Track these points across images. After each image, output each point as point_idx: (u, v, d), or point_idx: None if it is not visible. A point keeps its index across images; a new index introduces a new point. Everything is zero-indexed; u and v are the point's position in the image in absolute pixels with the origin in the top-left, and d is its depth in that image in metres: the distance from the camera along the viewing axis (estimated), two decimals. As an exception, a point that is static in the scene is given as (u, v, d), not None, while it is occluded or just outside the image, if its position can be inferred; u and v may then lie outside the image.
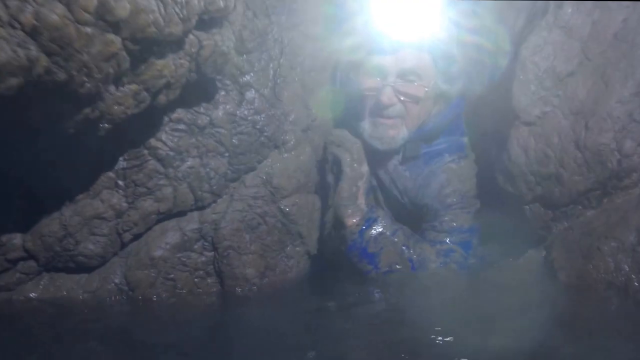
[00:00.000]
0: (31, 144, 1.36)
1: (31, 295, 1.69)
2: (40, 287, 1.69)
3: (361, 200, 2.00)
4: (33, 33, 0.98)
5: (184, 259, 1.70)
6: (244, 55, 1.66)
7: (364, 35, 1.95)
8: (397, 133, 2.02)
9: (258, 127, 1.70)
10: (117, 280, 1.72)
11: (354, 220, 1.97)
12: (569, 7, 1.74)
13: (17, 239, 1.57)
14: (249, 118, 1.67)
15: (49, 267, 1.68)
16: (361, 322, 1.66)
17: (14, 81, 0.98)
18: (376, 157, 2.11)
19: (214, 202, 1.72)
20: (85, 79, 1.11)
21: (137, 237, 1.67)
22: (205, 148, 1.64)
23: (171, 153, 1.59)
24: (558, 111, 1.73)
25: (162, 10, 1.21)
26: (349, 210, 1.97)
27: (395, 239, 1.99)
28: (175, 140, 1.58)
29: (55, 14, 1.00)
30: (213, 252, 1.73)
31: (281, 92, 1.74)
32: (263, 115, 1.71)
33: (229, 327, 1.64)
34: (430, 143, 2.12)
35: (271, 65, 1.71)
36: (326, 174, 2.04)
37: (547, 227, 1.90)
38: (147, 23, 1.17)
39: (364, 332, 1.59)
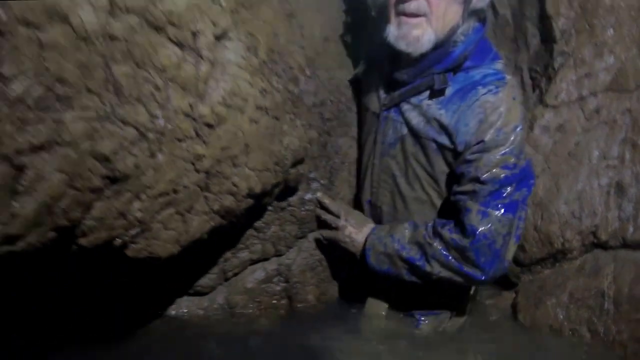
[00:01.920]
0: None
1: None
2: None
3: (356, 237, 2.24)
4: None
5: (266, 288, 2.41)
6: (311, 160, 2.26)
7: None
8: (422, 33, 1.87)
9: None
10: (220, 302, 2.39)
11: (357, 256, 2.25)
12: (537, 130, 2.29)
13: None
14: (313, 199, 2.35)
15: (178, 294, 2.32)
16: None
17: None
18: (407, 96, 2.06)
19: (287, 251, 2.39)
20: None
21: (236, 274, 2.40)
22: (284, 219, 2.32)
23: (262, 224, 2.31)
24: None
25: (275, 170, 1.89)
26: (352, 248, 2.26)
27: (392, 249, 2.11)
28: (266, 216, 2.30)
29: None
30: (286, 284, 2.43)
31: (334, 179, 2.37)
32: None
33: (295, 330, 2.33)
34: (463, 70, 2.00)
35: (329, 163, 2.33)
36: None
37: (517, 276, 2.39)
38: (269, 181, 1.86)
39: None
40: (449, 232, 1.97)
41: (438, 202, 2.15)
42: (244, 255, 2.33)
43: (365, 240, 2.18)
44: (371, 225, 2.26)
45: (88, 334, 2.01)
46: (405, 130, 2.09)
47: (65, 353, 1.93)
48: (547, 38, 2.30)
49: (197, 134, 1.39)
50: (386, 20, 1.91)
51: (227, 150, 1.52)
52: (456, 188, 1.98)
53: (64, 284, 1.62)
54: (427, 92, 2.00)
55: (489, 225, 1.89)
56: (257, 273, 2.41)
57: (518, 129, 1.90)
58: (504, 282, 2.44)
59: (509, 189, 1.89)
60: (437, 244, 1.99)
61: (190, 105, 1.34)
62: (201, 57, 1.36)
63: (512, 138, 1.89)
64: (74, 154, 1.05)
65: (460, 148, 1.94)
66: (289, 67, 1.84)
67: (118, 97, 1.12)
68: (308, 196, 2.33)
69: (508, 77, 1.97)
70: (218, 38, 1.44)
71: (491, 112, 1.89)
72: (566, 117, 2.23)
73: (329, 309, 2.49)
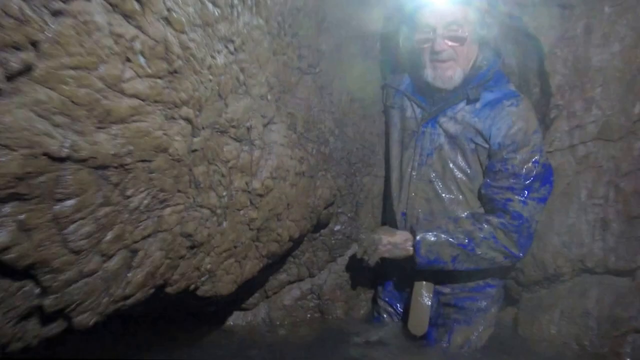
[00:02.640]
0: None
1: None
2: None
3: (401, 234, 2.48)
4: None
5: (302, 304, 2.78)
6: (340, 198, 2.60)
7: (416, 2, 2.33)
8: (453, 73, 2.35)
9: (346, 234, 2.72)
10: (262, 316, 2.76)
11: (410, 249, 2.43)
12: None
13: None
14: (341, 230, 2.72)
15: (227, 309, 2.71)
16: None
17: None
18: (446, 112, 2.44)
19: (319, 273, 2.76)
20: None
21: (275, 293, 2.79)
22: (316, 247, 2.68)
23: (298, 252, 2.64)
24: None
25: (310, 217, 2.28)
26: (397, 250, 2.45)
27: (443, 238, 2.38)
28: (301, 246, 2.59)
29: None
30: (318, 301, 2.79)
31: (359, 212, 2.73)
32: (348, 226, 2.70)
33: (326, 340, 2.65)
34: (487, 90, 2.40)
35: (354, 199, 2.67)
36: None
37: (519, 294, 2.73)
38: (306, 227, 2.23)
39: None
40: (497, 217, 2.36)
41: (472, 202, 2.50)
42: (283, 277, 2.71)
43: (414, 237, 2.43)
44: (401, 230, 2.53)
45: (164, 341, 2.44)
46: (442, 139, 2.47)
47: (152, 353, 2.33)
48: (545, 91, 2.61)
49: (251, 203, 1.79)
50: (423, 66, 2.39)
51: (273, 211, 1.92)
52: (493, 183, 2.38)
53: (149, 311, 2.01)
54: (461, 105, 2.42)
55: (529, 211, 2.31)
56: (294, 292, 2.80)
57: (538, 133, 2.35)
58: (508, 298, 2.79)
59: (538, 183, 2.32)
60: (486, 228, 2.36)
61: (246, 183, 1.74)
62: (254, 145, 1.76)
63: (535, 139, 2.33)
64: (169, 236, 1.47)
65: (495, 148, 2.35)
66: (321, 132, 2.23)
67: (197, 190, 1.53)
68: (337, 228, 2.70)
69: (522, 95, 2.43)
70: (265, 125, 1.84)
71: (517, 120, 2.32)
72: (559, 161, 2.55)
73: (355, 322, 2.85)
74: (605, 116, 2.49)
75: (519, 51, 2.68)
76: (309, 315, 2.83)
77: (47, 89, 1.08)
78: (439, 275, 2.54)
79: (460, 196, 2.50)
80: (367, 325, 2.84)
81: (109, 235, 1.30)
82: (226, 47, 1.57)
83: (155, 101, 1.29)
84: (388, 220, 2.74)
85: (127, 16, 1.22)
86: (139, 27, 1.25)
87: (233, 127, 1.65)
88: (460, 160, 2.46)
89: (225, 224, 1.69)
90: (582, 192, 2.56)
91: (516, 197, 2.31)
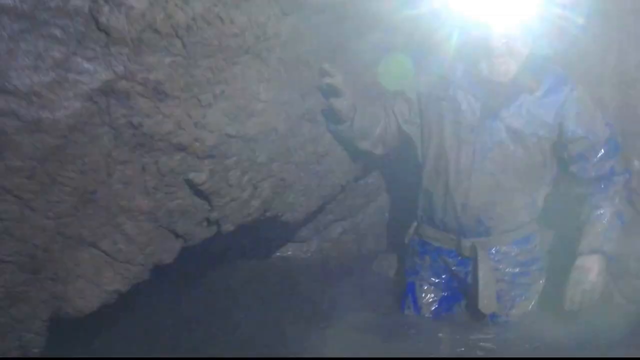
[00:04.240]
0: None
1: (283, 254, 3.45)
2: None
3: None
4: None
5: (344, 238, 3.48)
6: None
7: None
8: (508, 67, 2.43)
9: (376, 185, 3.61)
10: (314, 248, 3.43)
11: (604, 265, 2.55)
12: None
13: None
14: (373, 182, 3.65)
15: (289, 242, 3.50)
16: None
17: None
18: (510, 107, 2.48)
19: (357, 214, 3.51)
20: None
21: (325, 228, 3.51)
22: (354, 195, 3.43)
23: (341, 198, 3.52)
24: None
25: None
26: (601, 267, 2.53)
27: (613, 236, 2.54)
28: (343, 194, 3.54)
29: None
30: (355, 235, 3.47)
31: (384, 171, 3.73)
32: (377, 179, 3.70)
33: (363, 264, 3.32)
34: (543, 75, 2.49)
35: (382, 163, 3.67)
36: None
37: None
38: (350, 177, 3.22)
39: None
40: (615, 183, 2.58)
41: (531, 190, 2.64)
42: (330, 217, 3.48)
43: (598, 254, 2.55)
44: (582, 257, 2.56)
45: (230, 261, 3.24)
46: (503, 134, 2.50)
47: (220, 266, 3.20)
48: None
49: (317, 161, 2.73)
50: (478, 60, 2.49)
51: (330, 166, 2.83)
52: (587, 164, 2.56)
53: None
54: (522, 97, 2.48)
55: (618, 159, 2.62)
56: (338, 228, 3.51)
57: (598, 108, 2.58)
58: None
59: (613, 141, 2.59)
60: (617, 195, 2.60)
61: (315, 149, 2.69)
62: (318, 122, 2.70)
63: (600, 118, 2.54)
64: (274, 179, 2.44)
65: (569, 135, 2.49)
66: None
67: (290, 152, 2.49)
68: (370, 180, 3.44)
69: (570, 75, 2.55)
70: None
71: (582, 106, 2.50)
72: None
73: (383, 251, 3.56)
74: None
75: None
76: (349, 247, 3.60)
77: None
78: (492, 254, 2.68)
79: (521, 185, 2.59)
80: (393, 254, 3.47)
81: (245, 177, 2.27)
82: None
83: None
84: (429, 206, 2.77)
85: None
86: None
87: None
88: (521, 153, 2.52)
89: (302, 173, 2.63)
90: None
91: (608, 161, 2.55)
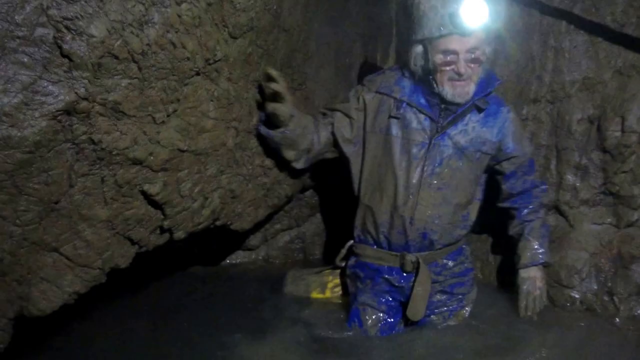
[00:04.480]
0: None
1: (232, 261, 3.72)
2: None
3: None
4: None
5: (291, 246, 3.76)
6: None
7: (445, 27, 2.38)
8: (469, 89, 2.51)
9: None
10: (262, 255, 3.63)
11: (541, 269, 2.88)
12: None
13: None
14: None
15: (238, 250, 3.71)
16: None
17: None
18: (457, 125, 2.61)
19: (303, 224, 3.76)
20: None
21: (272, 237, 3.73)
22: (301, 205, 3.78)
23: (289, 208, 3.81)
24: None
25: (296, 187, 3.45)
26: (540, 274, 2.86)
27: (544, 243, 2.86)
28: (291, 204, 3.80)
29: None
30: (302, 244, 3.75)
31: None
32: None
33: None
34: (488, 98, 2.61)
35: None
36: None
37: None
38: (295, 190, 3.44)
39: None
40: (535, 197, 2.86)
41: (471, 202, 2.78)
42: (277, 226, 3.73)
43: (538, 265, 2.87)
44: (526, 269, 2.87)
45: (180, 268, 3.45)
46: (451, 151, 2.62)
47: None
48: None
49: (264, 173, 2.95)
50: (440, 84, 2.51)
51: (277, 178, 3.05)
52: (513, 180, 2.82)
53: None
54: (469, 117, 2.61)
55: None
56: (285, 237, 3.79)
57: (525, 130, 2.95)
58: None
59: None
60: (541, 210, 2.90)
61: (262, 161, 2.91)
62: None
63: (527, 138, 2.87)
64: (223, 191, 2.64)
65: (507, 151, 2.70)
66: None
67: (237, 165, 2.70)
68: (315, 192, 3.68)
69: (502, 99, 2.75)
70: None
71: (516, 125, 2.73)
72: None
73: (330, 260, 3.63)
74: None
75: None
76: (295, 254, 3.85)
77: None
78: (432, 267, 2.77)
79: (462, 200, 2.70)
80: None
81: (196, 189, 2.46)
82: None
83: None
84: (371, 223, 2.78)
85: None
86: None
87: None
88: (465, 168, 2.66)
89: (250, 185, 2.84)
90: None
91: (530, 176, 2.84)
